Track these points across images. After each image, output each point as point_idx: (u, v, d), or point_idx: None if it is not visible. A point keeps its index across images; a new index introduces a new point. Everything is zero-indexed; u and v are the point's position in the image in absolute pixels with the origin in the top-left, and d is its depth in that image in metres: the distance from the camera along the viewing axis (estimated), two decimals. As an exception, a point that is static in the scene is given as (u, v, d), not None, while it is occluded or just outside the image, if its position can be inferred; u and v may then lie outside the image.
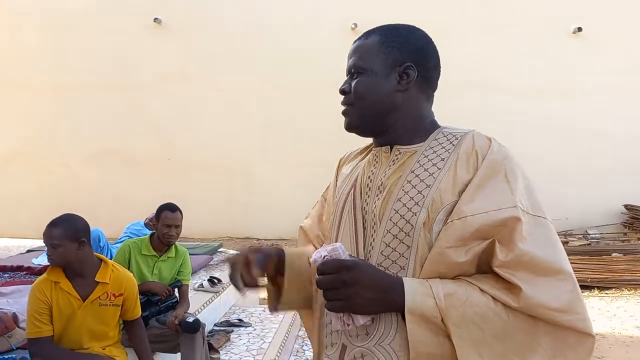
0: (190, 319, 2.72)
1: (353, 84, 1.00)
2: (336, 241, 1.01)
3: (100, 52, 7.92)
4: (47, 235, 2.19)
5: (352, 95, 1.00)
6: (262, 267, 1.00)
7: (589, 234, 7.66)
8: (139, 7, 7.93)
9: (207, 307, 3.69)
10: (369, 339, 0.90)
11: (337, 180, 1.15)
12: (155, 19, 7.90)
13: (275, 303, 1.07)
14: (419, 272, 0.88)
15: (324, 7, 7.90)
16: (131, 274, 2.52)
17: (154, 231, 3.02)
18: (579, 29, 7.91)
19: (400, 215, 0.91)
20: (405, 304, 0.83)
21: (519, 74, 7.94)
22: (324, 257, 0.86)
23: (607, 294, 5.47)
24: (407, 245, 0.90)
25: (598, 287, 5.56)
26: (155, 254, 2.97)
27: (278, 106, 7.97)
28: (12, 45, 7.94)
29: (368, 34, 1.03)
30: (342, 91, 1.03)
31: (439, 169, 0.93)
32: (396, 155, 1.00)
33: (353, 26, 7.71)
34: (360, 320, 0.86)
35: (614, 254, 6.10)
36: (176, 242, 3.07)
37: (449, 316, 0.82)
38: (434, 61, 1.03)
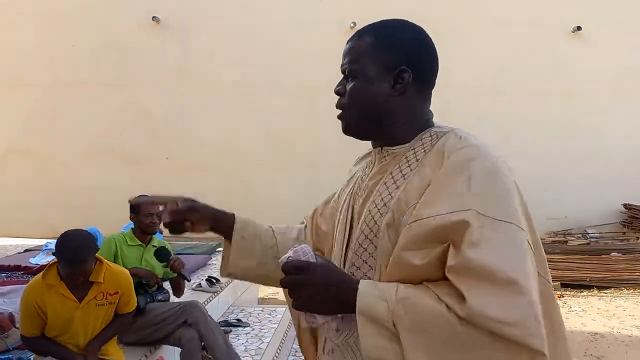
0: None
1: (348, 88, 0.98)
2: (333, 240, 1.07)
3: (99, 50, 7.89)
4: (80, 270, 2.19)
5: (346, 100, 0.99)
6: (170, 217, 1.08)
7: (588, 233, 7.66)
8: (138, 5, 7.90)
9: (205, 306, 3.68)
10: (338, 335, 0.95)
11: (349, 179, 1.17)
12: (154, 18, 7.88)
13: (224, 266, 1.16)
14: (384, 274, 0.89)
15: (323, 5, 7.87)
16: (125, 270, 2.51)
17: (132, 226, 3.03)
18: (579, 28, 7.91)
19: (372, 216, 0.93)
20: (357, 306, 0.83)
21: (517, 74, 7.92)
22: (288, 258, 0.89)
23: (606, 293, 5.47)
24: (375, 246, 0.92)
25: (597, 287, 5.57)
26: (140, 243, 2.99)
27: (277, 106, 7.95)
28: (9, 43, 7.90)
29: (360, 33, 1.00)
30: (337, 92, 1.01)
31: (411, 170, 0.92)
32: (384, 156, 1.00)
33: (352, 25, 7.68)
34: (319, 319, 0.89)
35: (613, 253, 6.11)
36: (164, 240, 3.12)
37: (401, 322, 0.80)
38: (431, 60, 0.99)
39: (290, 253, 0.90)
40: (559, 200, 7.86)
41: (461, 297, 0.77)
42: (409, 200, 0.88)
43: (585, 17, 7.89)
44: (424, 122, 0.99)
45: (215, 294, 3.92)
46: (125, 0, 7.91)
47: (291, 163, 7.93)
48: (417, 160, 0.93)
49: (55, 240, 2.27)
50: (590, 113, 8.00)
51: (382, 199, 0.93)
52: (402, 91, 0.95)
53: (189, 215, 1.10)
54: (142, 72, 7.92)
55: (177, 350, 2.78)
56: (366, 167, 1.07)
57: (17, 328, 2.65)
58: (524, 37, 7.87)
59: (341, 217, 1.06)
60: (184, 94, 7.97)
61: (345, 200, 1.07)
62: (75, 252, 2.16)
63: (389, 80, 0.95)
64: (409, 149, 0.96)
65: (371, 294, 0.83)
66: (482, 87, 7.80)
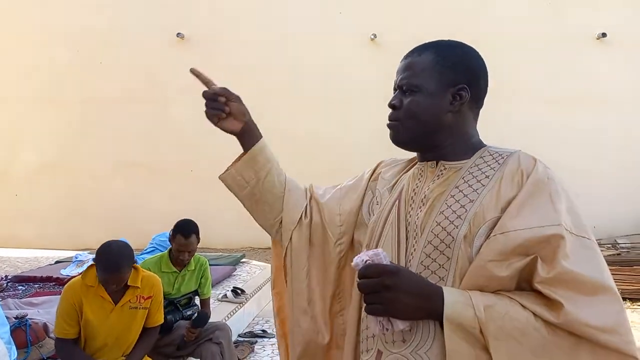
0: (194, 314, 2.80)
1: (406, 101, 1.01)
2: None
3: (127, 66, 8.12)
4: (115, 278, 2.26)
5: (402, 113, 1.02)
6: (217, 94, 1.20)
7: (619, 244, 7.46)
8: (162, 23, 8.13)
9: (230, 317, 3.72)
10: (406, 346, 0.91)
11: (371, 179, 1.19)
12: (178, 34, 8.08)
13: (229, 168, 1.25)
14: (458, 284, 0.90)
15: (343, 18, 7.95)
16: (158, 278, 2.57)
17: (171, 247, 2.98)
18: (604, 35, 7.78)
19: (442, 228, 0.94)
20: (444, 313, 0.84)
21: (543, 81, 7.83)
22: (366, 261, 0.87)
23: (639, 305, 5.31)
24: (447, 257, 0.92)
25: (630, 299, 5.40)
26: (175, 269, 2.96)
27: (299, 118, 8.03)
28: (42, 62, 8.20)
29: (421, 50, 1.04)
30: (392, 106, 1.03)
31: (483, 185, 0.95)
32: (441, 170, 1.02)
33: (372, 37, 7.73)
34: (400, 325, 0.87)
35: (645, 264, 5.93)
36: (196, 254, 3.09)
37: (488, 328, 0.83)
38: (485, 81, 1.07)
39: (365, 256, 0.88)
40: (587, 209, 7.63)
41: (552, 306, 0.83)
42: (486, 215, 0.91)
43: (611, 24, 7.76)
44: (476, 140, 1.05)
45: (241, 305, 3.96)
46: (150, 18, 8.14)
47: (313, 172, 7.96)
48: (487, 177, 0.96)
49: (84, 252, 2.37)
50: (619, 120, 7.84)
51: (453, 211, 0.94)
52: (458, 108, 1.01)
53: (233, 103, 1.21)
54: (168, 88, 8.11)
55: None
56: (415, 179, 1.06)
57: (51, 338, 2.73)
58: (548, 44, 7.78)
59: (387, 227, 1.04)
60: (208, 107, 8.13)
61: (390, 211, 1.06)
62: (112, 260, 2.23)
63: (447, 96, 1.00)
64: (471, 165, 1.00)
65: (458, 300, 0.85)
66: (506, 95, 7.73)
